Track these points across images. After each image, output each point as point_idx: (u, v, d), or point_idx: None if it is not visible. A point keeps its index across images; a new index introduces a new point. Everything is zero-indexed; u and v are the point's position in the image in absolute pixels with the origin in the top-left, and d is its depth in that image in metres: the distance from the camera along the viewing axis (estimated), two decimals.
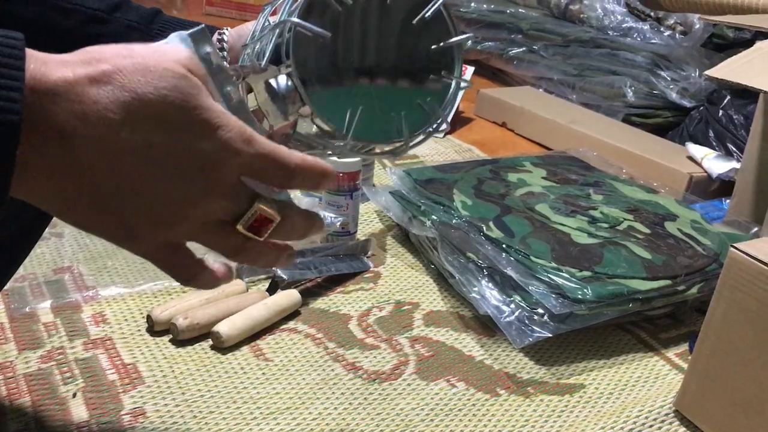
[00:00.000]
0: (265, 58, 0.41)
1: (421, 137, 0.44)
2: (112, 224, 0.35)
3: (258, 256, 0.40)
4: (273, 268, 0.86)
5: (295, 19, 0.39)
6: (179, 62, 0.34)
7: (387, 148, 0.44)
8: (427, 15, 0.43)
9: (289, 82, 0.41)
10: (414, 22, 0.43)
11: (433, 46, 0.44)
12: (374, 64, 0.42)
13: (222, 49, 0.56)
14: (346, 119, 0.42)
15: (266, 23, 0.45)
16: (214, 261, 0.41)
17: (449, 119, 0.45)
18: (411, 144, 0.44)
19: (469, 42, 0.45)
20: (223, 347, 0.80)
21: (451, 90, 0.44)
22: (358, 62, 0.42)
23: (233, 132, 0.34)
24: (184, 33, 0.38)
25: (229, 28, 0.57)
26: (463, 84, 0.44)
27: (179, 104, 0.33)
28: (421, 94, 0.44)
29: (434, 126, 0.45)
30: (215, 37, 0.56)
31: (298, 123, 0.43)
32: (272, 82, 0.41)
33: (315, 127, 0.43)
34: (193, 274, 0.39)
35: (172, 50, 0.35)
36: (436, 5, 0.43)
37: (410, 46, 0.43)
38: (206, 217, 0.36)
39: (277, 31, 0.41)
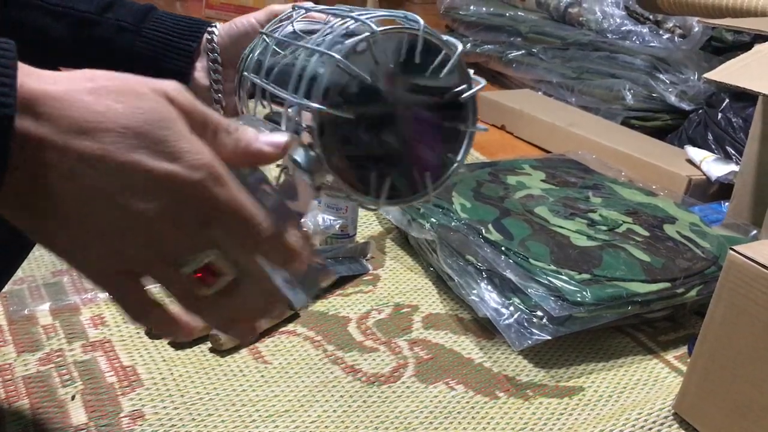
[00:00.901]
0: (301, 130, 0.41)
1: (441, 185, 0.45)
2: (62, 235, 0.33)
3: (211, 313, 0.36)
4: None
5: (337, 56, 0.39)
6: (163, 91, 0.33)
7: (412, 201, 0.45)
8: (443, 70, 0.43)
9: (313, 155, 0.41)
10: (429, 74, 0.43)
11: (447, 97, 0.44)
12: (396, 126, 0.43)
13: (213, 51, 0.56)
14: (374, 186, 0.42)
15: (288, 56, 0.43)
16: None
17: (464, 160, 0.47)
18: (433, 194, 0.45)
19: (482, 83, 0.45)
20: (221, 350, 0.80)
21: (467, 138, 0.45)
22: (380, 127, 0.42)
23: (199, 163, 0.32)
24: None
25: (219, 24, 0.56)
26: (479, 129, 0.45)
27: (149, 123, 0.31)
28: (438, 143, 0.45)
29: (451, 173, 0.45)
30: (205, 37, 0.56)
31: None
32: (296, 155, 0.40)
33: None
34: (144, 312, 0.36)
35: (159, 81, 0.34)
36: (455, 59, 0.43)
37: (426, 98, 0.43)
38: (158, 248, 0.33)
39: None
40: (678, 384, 0.80)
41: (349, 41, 0.39)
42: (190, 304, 0.36)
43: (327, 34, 0.43)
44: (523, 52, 2.04)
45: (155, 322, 0.36)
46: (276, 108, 0.46)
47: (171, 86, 0.34)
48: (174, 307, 0.37)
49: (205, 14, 2.74)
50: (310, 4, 0.54)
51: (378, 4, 2.77)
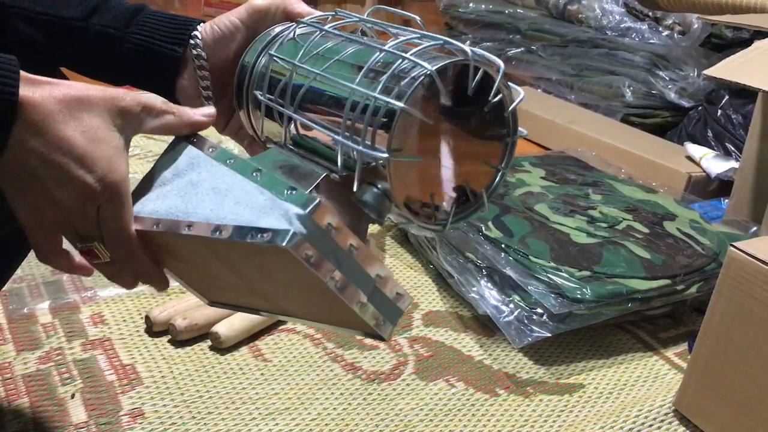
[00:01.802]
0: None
1: (492, 194, 0.47)
2: (14, 199, 0.43)
3: (99, 270, 0.48)
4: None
5: (401, 104, 0.39)
6: (116, 107, 0.43)
7: (471, 215, 0.47)
8: (491, 90, 0.43)
9: (379, 192, 0.41)
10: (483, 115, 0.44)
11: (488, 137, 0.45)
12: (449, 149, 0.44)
13: (199, 57, 0.54)
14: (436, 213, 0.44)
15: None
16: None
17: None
18: (487, 204, 0.47)
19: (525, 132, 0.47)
20: (221, 348, 0.80)
21: (509, 147, 0.46)
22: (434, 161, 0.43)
23: (106, 180, 0.42)
24: (304, 214, 0.38)
25: (201, 26, 0.55)
26: (521, 135, 0.47)
27: (90, 140, 0.42)
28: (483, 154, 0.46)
29: (500, 181, 0.47)
30: (189, 42, 0.55)
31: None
32: (362, 195, 0.41)
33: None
34: (54, 256, 0.46)
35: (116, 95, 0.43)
36: (500, 78, 0.43)
37: (472, 115, 0.44)
38: (68, 222, 0.44)
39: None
40: (678, 381, 0.80)
41: (410, 87, 0.39)
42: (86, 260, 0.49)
43: (377, 70, 0.42)
44: (523, 49, 2.04)
45: (59, 266, 0.47)
46: (304, 133, 0.46)
47: (125, 99, 0.44)
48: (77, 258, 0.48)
49: (203, 12, 2.74)
50: (301, 5, 0.54)
51: (376, 1, 2.76)
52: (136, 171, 1.20)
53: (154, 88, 0.58)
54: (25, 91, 0.40)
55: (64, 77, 0.64)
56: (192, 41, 0.54)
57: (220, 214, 0.40)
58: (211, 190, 0.42)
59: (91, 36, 0.55)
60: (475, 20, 2.23)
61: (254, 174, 0.41)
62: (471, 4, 2.25)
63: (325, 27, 0.49)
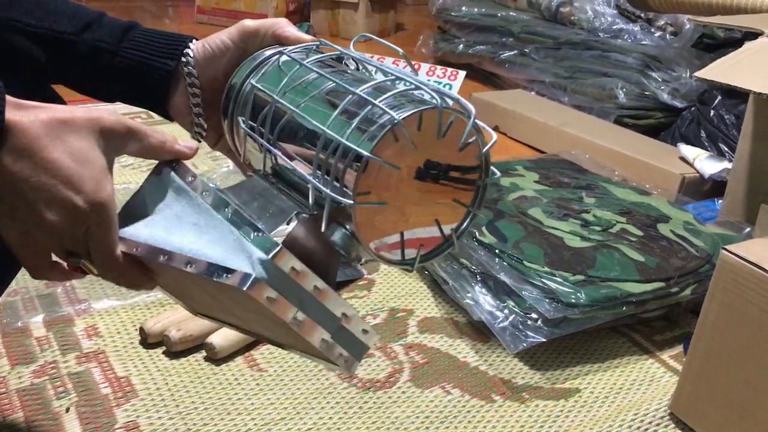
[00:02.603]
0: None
1: (462, 234, 0.48)
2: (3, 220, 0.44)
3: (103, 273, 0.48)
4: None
5: (368, 153, 0.40)
6: (98, 127, 0.44)
7: (440, 255, 0.48)
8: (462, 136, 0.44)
9: (347, 233, 0.43)
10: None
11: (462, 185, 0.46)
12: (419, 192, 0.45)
13: (190, 74, 0.55)
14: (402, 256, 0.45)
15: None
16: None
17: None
18: (457, 243, 0.48)
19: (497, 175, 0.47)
20: (216, 358, 0.80)
21: (481, 190, 0.47)
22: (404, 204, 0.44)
23: (93, 201, 0.43)
24: (267, 259, 0.40)
25: (193, 44, 0.55)
26: (493, 180, 0.47)
27: (76, 162, 0.42)
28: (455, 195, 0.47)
29: (470, 222, 0.48)
30: (181, 60, 0.55)
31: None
32: (333, 238, 0.43)
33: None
34: (40, 271, 0.47)
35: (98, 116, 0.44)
36: (470, 124, 0.43)
37: (443, 159, 0.44)
38: (57, 241, 0.44)
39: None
40: (674, 384, 0.80)
41: (376, 135, 0.40)
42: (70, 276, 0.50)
43: (350, 110, 0.42)
44: (516, 52, 2.04)
45: (55, 278, 0.49)
46: (283, 164, 0.46)
47: (108, 120, 0.44)
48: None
49: (197, 19, 2.74)
50: (286, 24, 0.54)
51: (369, 6, 2.76)
52: (130, 181, 1.21)
53: (146, 104, 0.58)
54: (12, 116, 0.41)
55: (55, 95, 0.65)
56: (184, 58, 0.54)
57: (194, 248, 0.43)
58: (192, 225, 0.44)
59: (84, 50, 0.55)
60: (468, 23, 2.23)
61: (225, 210, 0.43)
62: (463, 8, 2.25)
63: (308, 60, 0.49)
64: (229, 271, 0.40)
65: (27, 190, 0.42)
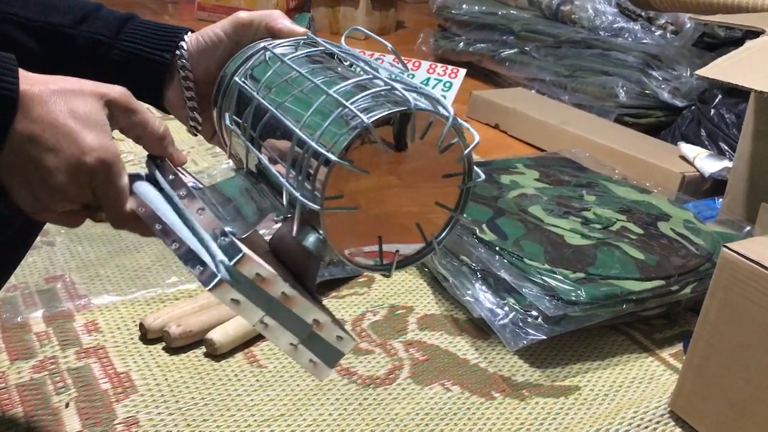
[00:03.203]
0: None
1: (444, 239, 0.47)
2: (7, 176, 0.46)
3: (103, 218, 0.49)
4: None
5: (335, 158, 0.39)
6: (105, 95, 0.46)
7: (420, 260, 0.47)
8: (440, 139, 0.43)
9: (321, 238, 0.42)
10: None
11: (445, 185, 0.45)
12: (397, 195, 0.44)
13: (184, 68, 0.55)
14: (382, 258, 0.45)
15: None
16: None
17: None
18: (438, 249, 0.47)
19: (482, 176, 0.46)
20: (216, 354, 0.80)
21: (464, 193, 0.46)
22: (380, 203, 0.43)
23: (102, 157, 0.44)
24: (230, 265, 0.40)
25: (188, 36, 0.55)
26: (476, 183, 0.46)
27: (82, 122, 0.45)
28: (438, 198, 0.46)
29: (453, 226, 0.47)
30: (176, 53, 0.55)
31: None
32: (303, 239, 0.42)
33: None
34: (41, 213, 0.48)
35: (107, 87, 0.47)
36: (448, 126, 0.42)
37: (422, 160, 0.44)
38: (64, 189, 0.45)
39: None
40: (673, 382, 0.80)
41: (347, 137, 0.39)
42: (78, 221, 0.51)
43: (323, 111, 0.42)
44: (516, 50, 2.04)
45: (51, 219, 0.49)
46: (265, 163, 0.46)
47: (115, 91, 0.47)
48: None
49: (197, 16, 2.74)
50: (279, 15, 0.54)
51: (369, 3, 2.76)
52: None
53: (143, 97, 0.58)
54: (24, 86, 0.43)
55: None
56: (178, 51, 0.54)
57: (181, 230, 0.44)
58: (178, 212, 0.45)
59: (81, 42, 0.55)
60: (469, 21, 2.23)
61: (198, 212, 0.43)
62: (464, 6, 2.25)
63: (295, 55, 0.49)
64: (203, 264, 0.41)
65: (38, 152, 0.44)
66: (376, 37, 0.50)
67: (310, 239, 0.42)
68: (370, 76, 0.44)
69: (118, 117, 0.48)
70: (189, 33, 0.56)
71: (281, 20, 0.54)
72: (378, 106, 0.40)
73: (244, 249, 0.40)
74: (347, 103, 0.40)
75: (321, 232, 0.41)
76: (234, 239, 0.41)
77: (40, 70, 0.51)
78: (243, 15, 0.54)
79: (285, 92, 0.46)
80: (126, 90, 0.48)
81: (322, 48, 0.51)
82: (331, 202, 0.40)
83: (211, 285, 0.40)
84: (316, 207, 0.40)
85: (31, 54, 0.55)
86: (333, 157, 0.39)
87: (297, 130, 0.41)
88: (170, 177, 0.47)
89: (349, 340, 0.44)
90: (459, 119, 0.42)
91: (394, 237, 0.45)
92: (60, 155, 0.44)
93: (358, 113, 0.39)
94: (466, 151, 0.43)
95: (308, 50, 0.50)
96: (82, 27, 0.55)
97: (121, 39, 0.55)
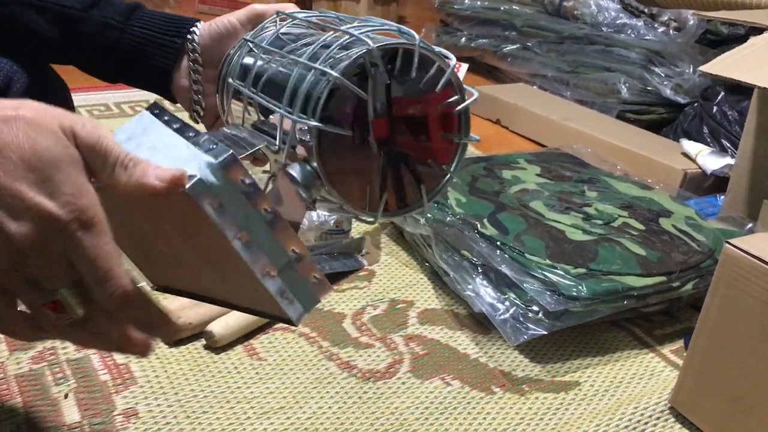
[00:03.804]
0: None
1: (435, 196, 0.47)
2: None
3: (64, 334, 0.38)
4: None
5: (335, 73, 0.39)
6: (71, 130, 0.36)
7: (408, 213, 0.47)
8: (438, 83, 0.43)
9: (309, 170, 0.41)
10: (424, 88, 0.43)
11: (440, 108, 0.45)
12: (392, 140, 0.43)
13: (193, 51, 0.55)
14: (370, 200, 0.44)
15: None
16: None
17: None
18: (428, 205, 0.47)
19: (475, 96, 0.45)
20: (216, 347, 0.80)
21: (459, 150, 0.46)
22: (375, 139, 0.43)
23: (73, 206, 0.34)
24: (215, 163, 0.37)
25: (200, 23, 0.56)
26: (472, 139, 0.46)
27: (43, 161, 0.34)
28: (431, 154, 0.45)
29: (445, 184, 0.46)
30: (187, 37, 0.56)
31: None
32: (291, 170, 0.41)
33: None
34: (7, 326, 0.38)
35: (72, 118, 0.36)
36: (449, 72, 0.43)
37: (420, 110, 0.44)
38: (23, 270, 0.35)
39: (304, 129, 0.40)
40: (674, 378, 0.80)
41: (346, 59, 0.39)
42: (43, 326, 0.38)
43: (321, 46, 0.42)
44: (518, 46, 2.04)
45: (24, 332, 0.39)
46: (264, 117, 0.46)
47: (80, 124, 0.36)
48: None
49: (198, 9, 2.73)
50: (292, 7, 0.54)
51: (371, 0, 2.76)
52: None
53: (150, 83, 0.58)
54: None
55: (58, 78, 0.64)
56: (189, 36, 0.55)
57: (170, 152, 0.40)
58: (149, 148, 0.40)
59: (92, 26, 0.56)
60: (471, 17, 2.22)
61: (190, 134, 0.40)
62: (466, 1, 2.25)
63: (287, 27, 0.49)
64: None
65: None
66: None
67: (297, 169, 0.41)
68: (378, 22, 0.45)
69: (91, 163, 0.36)
70: (200, 22, 0.57)
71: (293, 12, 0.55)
72: (377, 40, 0.41)
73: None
74: (347, 27, 0.41)
75: (312, 164, 0.41)
76: (224, 145, 0.38)
77: (52, 53, 0.51)
78: (258, 7, 0.56)
79: (282, 56, 0.46)
80: (87, 122, 0.37)
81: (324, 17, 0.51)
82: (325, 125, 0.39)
83: (189, 185, 0.36)
84: (313, 123, 0.39)
85: (43, 37, 0.56)
86: (335, 73, 0.39)
87: (294, 57, 0.41)
88: (166, 118, 0.42)
89: (324, 283, 0.41)
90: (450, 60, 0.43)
91: (385, 184, 0.44)
92: (17, 202, 0.33)
93: (362, 36, 0.39)
94: (461, 105, 0.43)
95: (312, 15, 0.51)
96: (94, 11, 0.56)
97: (132, 24, 0.56)
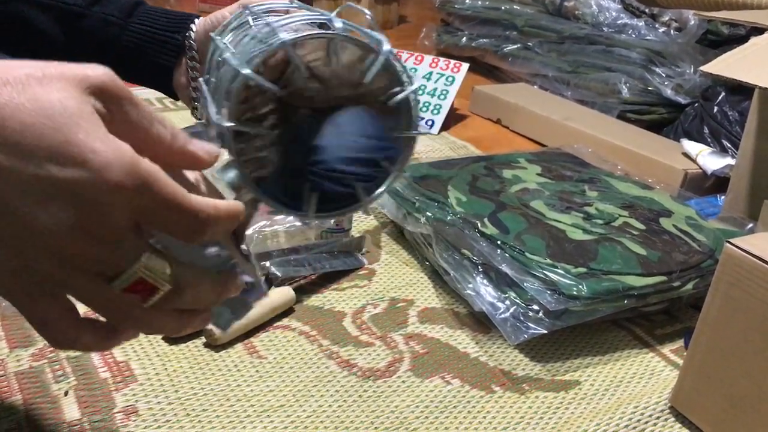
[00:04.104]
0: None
1: (376, 197, 0.42)
2: None
3: (150, 324, 0.33)
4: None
5: (245, 71, 0.37)
6: (85, 79, 0.30)
7: (345, 213, 0.43)
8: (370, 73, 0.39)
9: (235, 172, 0.38)
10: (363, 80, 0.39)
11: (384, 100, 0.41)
12: (325, 135, 0.40)
13: (190, 48, 0.55)
14: (305, 199, 0.40)
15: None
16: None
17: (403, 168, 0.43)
18: (369, 206, 0.42)
19: (419, 87, 0.41)
20: (216, 345, 0.80)
21: (404, 145, 0.41)
22: (306, 137, 0.40)
23: (110, 160, 0.27)
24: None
25: (197, 20, 0.56)
26: (423, 131, 0.42)
27: (52, 120, 0.27)
28: (376, 150, 0.41)
29: (388, 184, 0.42)
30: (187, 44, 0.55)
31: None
32: (217, 172, 0.38)
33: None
34: (65, 343, 0.32)
35: (85, 68, 0.30)
36: (379, 61, 0.38)
37: (355, 102, 0.40)
38: (79, 263, 0.29)
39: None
40: (674, 377, 0.80)
41: (259, 55, 0.37)
42: (129, 323, 0.32)
43: (251, 38, 0.40)
44: (519, 45, 2.04)
45: (86, 341, 0.33)
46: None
47: (98, 73, 0.30)
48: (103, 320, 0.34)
49: (198, 8, 2.73)
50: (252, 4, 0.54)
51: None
52: None
53: (152, 80, 0.58)
54: None
55: None
56: (187, 33, 0.55)
57: None
58: None
59: (94, 23, 0.56)
60: (472, 16, 2.22)
61: None
62: (467, 1, 2.25)
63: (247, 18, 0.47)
64: None
65: (10, 194, 0.27)
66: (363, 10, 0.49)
67: (225, 172, 0.38)
68: (318, 12, 0.43)
69: (111, 111, 0.31)
70: (199, 18, 0.56)
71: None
72: (302, 32, 0.39)
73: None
74: (273, 20, 0.39)
75: (235, 169, 0.38)
76: None
77: (53, 50, 0.51)
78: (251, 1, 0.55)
79: (238, 42, 0.45)
80: (113, 73, 0.31)
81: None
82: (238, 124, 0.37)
83: None
84: (226, 124, 0.37)
85: (44, 34, 0.56)
86: (245, 72, 0.37)
87: (217, 55, 0.40)
88: None
89: (259, 289, 0.39)
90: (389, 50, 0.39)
91: (321, 181, 0.41)
92: (36, 181, 0.26)
93: (279, 28, 0.37)
94: (401, 95, 0.39)
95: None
96: (95, 8, 0.56)
97: (133, 21, 0.56)
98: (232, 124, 0.37)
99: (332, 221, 1.03)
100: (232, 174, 0.38)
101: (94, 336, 0.32)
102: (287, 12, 0.48)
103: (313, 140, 0.39)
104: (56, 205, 0.27)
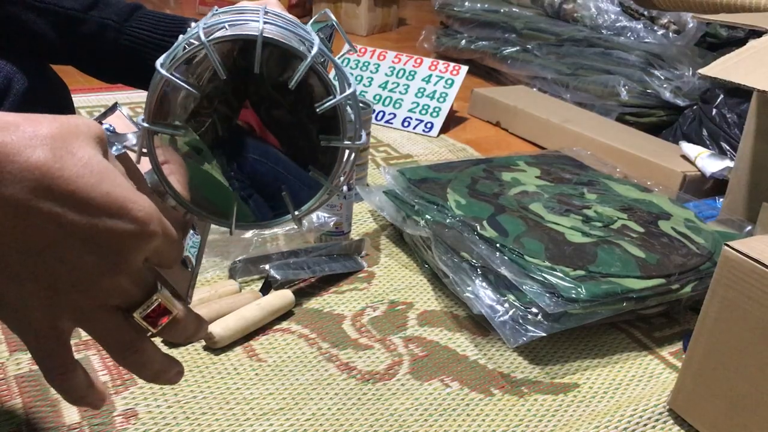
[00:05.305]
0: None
1: (306, 212, 0.41)
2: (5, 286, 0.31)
3: (147, 361, 0.37)
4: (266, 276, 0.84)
5: (167, 74, 0.37)
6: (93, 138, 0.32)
7: (271, 226, 0.42)
8: (293, 82, 0.37)
9: (156, 177, 0.38)
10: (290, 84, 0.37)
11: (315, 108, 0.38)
12: (254, 145, 0.40)
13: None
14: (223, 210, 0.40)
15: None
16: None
17: (344, 183, 0.41)
18: (302, 216, 0.41)
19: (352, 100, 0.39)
20: (216, 348, 0.80)
21: (338, 156, 0.39)
22: (232, 146, 0.40)
23: (149, 213, 0.32)
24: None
25: (193, 23, 0.56)
26: (356, 143, 0.39)
27: (88, 182, 0.30)
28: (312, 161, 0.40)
29: (320, 198, 0.41)
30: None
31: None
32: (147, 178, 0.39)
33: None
34: (64, 371, 0.36)
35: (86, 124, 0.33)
36: (302, 67, 0.36)
37: (285, 110, 0.40)
38: (104, 298, 0.33)
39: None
40: (673, 380, 0.80)
41: (178, 56, 0.37)
42: (131, 357, 0.36)
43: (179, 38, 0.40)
44: (518, 48, 2.04)
45: (72, 385, 0.36)
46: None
47: (96, 126, 0.33)
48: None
49: (198, 10, 2.74)
50: (276, 4, 0.54)
51: (371, 0, 2.76)
52: None
53: (148, 84, 0.59)
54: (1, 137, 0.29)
55: (58, 79, 0.65)
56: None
57: None
58: None
59: (91, 26, 0.56)
60: (471, 19, 2.23)
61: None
62: (466, 3, 2.25)
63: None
64: None
65: (55, 239, 0.30)
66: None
67: (150, 176, 0.38)
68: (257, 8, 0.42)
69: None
70: (195, 21, 0.57)
71: (278, 7, 0.55)
72: (230, 33, 0.38)
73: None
74: (195, 26, 0.38)
75: (156, 175, 0.38)
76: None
77: (52, 54, 0.51)
78: (247, 4, 0.55)
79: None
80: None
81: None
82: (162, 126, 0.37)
83: None
84: (144, 125, 0.37)
85: (43, 38, 0.56)
86: (163, 71, 0.37)
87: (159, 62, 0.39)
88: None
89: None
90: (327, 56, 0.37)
91: (249, 192, 0.41)
92: (93, 232, 0.30)
93: (202, 36, 0.37)
94: (330, 102, 0.37)
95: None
96: (92, 12, 0.56)
97: (131, 25, 0.56)
98: (147, 124, 0.37)
99: (332, 224, 1.03)
100: (153, 177, 0.38)
101: (86, 379, 0.37)
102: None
103: (248, 152, 0.39)
104: (103, 250, 0.31)
